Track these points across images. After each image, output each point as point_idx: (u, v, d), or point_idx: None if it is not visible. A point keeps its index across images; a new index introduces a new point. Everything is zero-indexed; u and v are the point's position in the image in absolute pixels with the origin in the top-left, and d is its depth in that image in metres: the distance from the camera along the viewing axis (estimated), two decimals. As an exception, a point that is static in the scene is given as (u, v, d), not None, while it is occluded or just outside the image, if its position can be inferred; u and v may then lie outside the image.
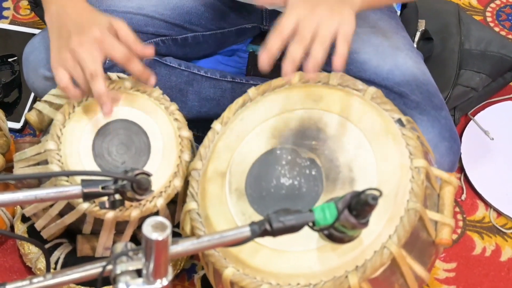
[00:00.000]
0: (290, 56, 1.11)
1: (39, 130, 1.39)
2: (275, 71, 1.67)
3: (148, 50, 1.28)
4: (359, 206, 0.96)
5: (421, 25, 1.81)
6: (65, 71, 1.24)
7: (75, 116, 1.27)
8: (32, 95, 1.82)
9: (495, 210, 1.70)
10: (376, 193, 0.94)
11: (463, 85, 1.79)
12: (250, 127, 1.25)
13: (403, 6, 1.77)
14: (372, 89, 1.22)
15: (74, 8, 1.28)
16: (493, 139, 1.79)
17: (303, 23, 1.10)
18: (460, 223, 1.68)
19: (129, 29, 1.27)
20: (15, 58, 1.83)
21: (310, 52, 1.10)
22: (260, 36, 1.74)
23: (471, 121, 1.82)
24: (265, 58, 1.13)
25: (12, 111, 1.80)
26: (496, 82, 1.85)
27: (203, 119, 1.55)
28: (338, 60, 1.11)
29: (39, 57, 1.45)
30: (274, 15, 1.63)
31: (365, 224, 0.99)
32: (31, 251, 1.47)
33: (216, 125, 1.28)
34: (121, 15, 1.49)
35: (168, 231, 0.86)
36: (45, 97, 1.36)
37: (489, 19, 2.10)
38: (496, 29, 2.07)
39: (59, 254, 1.44)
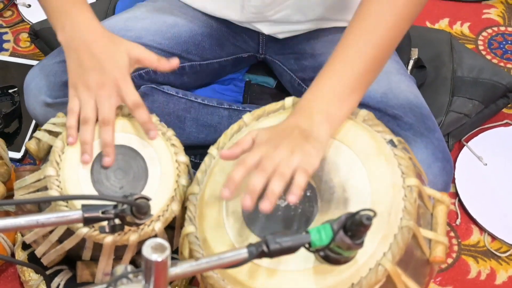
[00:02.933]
0: (250, 186, 1.12)
1: (38, 159, 1.41)
2: (269, 99, 1.71)
3: (174, 62, 1.34)
4: (354, 227, 0.99)
5: (414, 53, 1.84)
6: (78, 104, 1.29)
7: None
8: (32, 125, 1.84)
9: (490, 234, 1.71)
10: (370, 213, 0.97)
11: (456, 112, 1.81)
12: (246, 151, 1.27)
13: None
14: (363, 112, 1.25)
15: (92, 35, 1.32)
16: (486, 164, 1.82)
17: (265, 160, 1.13)
18: (455, 248, 1.70)
19: (148, 52, 1.33)
20: (15, 89, 1.86)
21: (268, 184, 1.11)
22: (257, 65, 1.78)
23: (465, 147, 1.85)
24: (227, 189, 1.14)
25: (13, 141, 1.83)
26: (489, 109, 1.88)
27: (201, 146, 1.57)
28: (294, 190, 1.11)
29: (39, 84, 1.48)
30: (270, 43, 1.67)
31: (360, 244, 1.01)
32: (31, 278, 1.49)
33: (212, 150, 1.30)
34: (120, 44, 1.53)
35: (168, 252, 0.88)
36: (44, 126, 1.39)
37: (481, 47, 2.14)
38: (488, 57, 2.11)
39: (60, 281, 1.46)
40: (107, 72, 1.29)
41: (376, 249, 1.11)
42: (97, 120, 1.30)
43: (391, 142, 1.22)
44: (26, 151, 1.80)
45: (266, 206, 1.10)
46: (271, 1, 1.53)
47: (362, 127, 1.24)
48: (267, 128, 1.20)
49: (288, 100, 1.30)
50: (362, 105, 1.41)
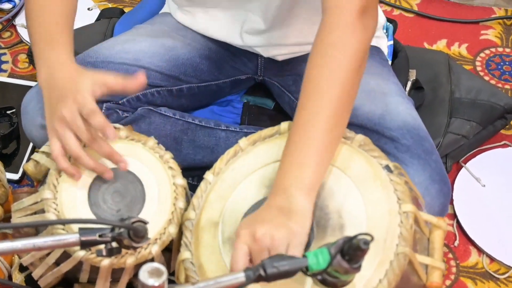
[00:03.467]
0: None
1: (36, 181, 1.41)
2: (267, 120, 1.71)
3: (140, 78, 1.31)
4: (352, 251, 0.99)
5: (412, 74, 1.84)
6: (59, 146, 1.29)
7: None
8: (30, 146, 1.85)
9: (488, 256, 1.71)
10: (368, 238, 0.97)
11: (454, 133, 1.82)
12: (242, 177, 1.28)
13: (394, 56, 1.81)
14: (360, 137, 1.25)
15: (61, 72, 1.33)
16: (484, 185, 1.82)
17: (254, 260, 1.12)
18: (454, 269, 1.70)
19: (114, 76, 1.32)
20: (14, 110, 1.86)
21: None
22: (255, 87, 1.78)
23: (463, 169, 1.85)
24: None
25: (10, 163, 1.83)
26: (487, 130, 1.88)
27: (198, 167, 1.58)
28: None
29: (36, 107, 1.48)
30: (268, 65, 1.68)
31: (358, 268, 1.01)
32: (28, 300, 1.49)
33: (208, 175, 1.31)
34: (118, 66, 1.54)
35: (164, 277, 0.88)
36: (42, 148, 1.39)
37: (478, 68, 2.14)
38: (486, 78, 2.11)
39: (56, 303, 1.46)
40: (68, 97, 1.28)
41: (372, 276, 1.11)
42: None
43: (387, 167, 1.23)
44: (24, 173, 1.80)
45: None
46: (272, 27, 1.54)
47: (358, 152, 1.24)
48: (246, 218, 1.18)
49: (284, 125, 1.31)
50: (359, 126, 1.42)
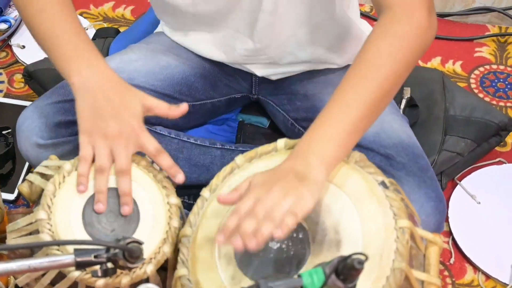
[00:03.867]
0: (241, 233, 1.13)
1: (31, 201, 1.41)
2: (262, 139, 1.72)
3: (183, 108, 1.36)
4: (346, 271, 0.98)
5: (407, 92, 1.85)
6: (91, 152, 1.30)
7: (65, 186, 1.29)
8: (26, 166, 1.85)
9: (484, 273, 1.71)
10: (362, 257, 0.97)
11: (449, 151, 1.82)
12: (238, 193, 1.27)
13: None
14: (355, 153, 1.26)
15: (106, 80, 1.33)
16: (479, 203, 1.82)
17: (258, 203, 1.15)
18: (450, 287, 1.69)
19: (159, 101, 1.35)
20: (9, 130, 1.86)
21: (259, 227, 1.13)
22: (250, 105, 1.79)
23: (458, 186, 1.85)
24: (221, 236, 1.16)
25: (6, 182, 1.83)
26: (481, 147, 1.88)
27: (194, 186, 1.57)
28: (282, 227, 1.12)
29: (32, 126, 1.48)
30: (262, 84, 1.68)
31: (353, 288, 1.01)
32: (23, 320, 1.48)
33: (205, 192, 1.31)
34: (112, 85, 1.54)
35: (159, 296, 0.88)
36: (37, 169, 1.39)
37: (473, 86, 2.15)
38: (481, 95, 2.12)
39: (52, 323, 1.45)
40: (124, 121, 1.30)
41: (368, 292, 1.11)
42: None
43: (382, 183, 1.23)
44: (20, 193, 1.80)
45: (252, 245, 1.11)
46: (262, 46, 1.55)
47: (354, 169, 1.25)
48: (264, 171, 1.21)
49: (280, 142, 1.31)
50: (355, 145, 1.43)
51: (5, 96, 2.08)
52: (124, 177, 1.29)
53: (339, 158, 1.22)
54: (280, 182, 1.16)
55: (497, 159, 1.93)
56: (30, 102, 1.95)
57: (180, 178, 1.32)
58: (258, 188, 1.17)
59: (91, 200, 1.29)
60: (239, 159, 1.31)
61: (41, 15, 1.39)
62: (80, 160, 1.30)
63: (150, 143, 1.31)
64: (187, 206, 1.41)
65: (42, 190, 1.33)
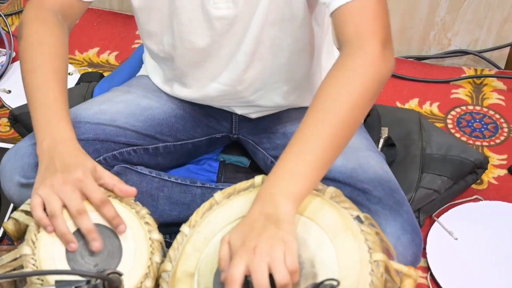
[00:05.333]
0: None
1: (16, 239, 1.43)
2: (243, 178, 1.74)
3: (131, 191, 1.35)
4: (320, 296, 1.01)
5: (384, 132, 1.89)
6: (40, 200, 1.29)
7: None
8: (11, 208, 1.86)
9: (462, 308, 1.74)
10: (334, 283, 1.00)
11: (426, 188, 1.85)
12: (217, 229, 1.30)
13: (367, 115, 1.86)
14: (331, 189, 1.29)
15: (64, 147, 1.34)
16: (457, 239, 1.85)
17: (254, 272, 1.14)
18: (429, 322, 1.72)
19: (111, 174, 1.35)
20: (-5, 172, 1.88)
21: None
22: (231, 145, 1.82)
23: (436, 222, 1.88)
24: None
25: (-9, 224, 1.85)
26: (458, 185, 1.92)
27: (175, 223, 1.60)
28: (291, 276, 1.15)
29: (14, 165, 1.51)
30: (242, 123, 1.72)
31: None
32: None
33: (184, 228, 1.33)
34: (94, 126, 1.58)
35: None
36: (22, 207, 1.41)
37: (450, 126, 2.20)
38: (457, 135, 2.16)
39: None
40: (71, 172, 1.30)
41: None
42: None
43: (357, 218, 1.26)
44: (4, 233, 1.82)
45: None
46: (241, 89, 1.60)
47: (330, 204, 1.28)
48: (236, 228, 1.21)
49: (258, 178, 1.34)
50: (332, 180, 1.46)
51: (-9, 139, 2.12)
52: (81, 217, 1.29)
53: (306, 192, 1.24)
54: (260, 236, 1.16)
55: (474, 197, 1.96)
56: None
57: (121, 229, 1.32)
58: (242, 249, 1.16)
59: (75, 235, 1.31)
60: (218, 195, 1.34)
61: (31, 75, 1.43)
62: (32, 209, 1.30)
63: (95, 193, 1.30)
64: (168, 245, 1.43)
65: (27, 226, 1.36)
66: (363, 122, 1.79)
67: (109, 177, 1.34)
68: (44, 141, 1.36)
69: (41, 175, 1.33)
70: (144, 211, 1.37)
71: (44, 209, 1.29)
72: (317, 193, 1.28)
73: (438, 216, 1.90)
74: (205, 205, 1.34)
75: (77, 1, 1.51)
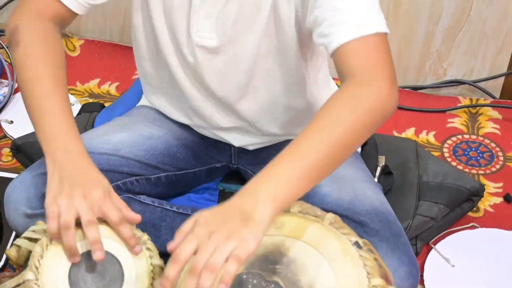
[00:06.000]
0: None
1: (18, 266, 1.44)
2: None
3: (136, 217, 1.36)
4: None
5: (381, 160, 1.91)
6: (58, 210, 1.30)
7: (53, 248, 1.33)
8: (12, 237, 1.88)
9: (459, 334, 1.75)
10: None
11: (423, 215, 1.87)
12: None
13: (364, 143, 1.89)
14: (330, 215, 1.31)
15: (80, 162, 1.36)
16: (454, 266, 1.86)
17: (199, 252, 1.17)
18: None
19: (120, 199, 1.37)
20: (-3, 201, 1.90)
21: (200, 279, 1.15)
22: (230, 174, 1.85)
23: (433, 250, 1.90)
24: (162, 286, 1.19)
25: (-7, 252, 1.86)
26: (455, 212, 1.94)
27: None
28: (224, 277, 1.15)
29: (20, 196, 1.52)
30: (241, 154, 1.74)
31: None
32: None
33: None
34: (98, 156, 1.59)
35: None
36: (25, 234, 1.42)
37: (446, 155, 2.23)
38: (454, 163, 2.19)
39: None
40: (91, 189, 1.32)
41: None
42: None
43: (356, 244, 1.28)
44: (6, 261, 1.83)
45: None
46: (235, 123, 1.64)
47: (329, 230, 1.30)
48: (209, 211, 1.22)
49: None
50: (329, 212, 1.48)
51: (-7, 169, 2.14)
52: (91, 227, 1.30)
53: (290, 199, 1.23)
54: (223, 225, 1.17)
55: (470, 224, 1.98)
56: (18, 174, 2.02)
57: (137, 249, 1.34)
58: (201, 229, 1.18)
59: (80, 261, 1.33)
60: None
61: (32, 83, 1.43)
62: (47, 218, 1.31)
63: (114, 213, 1.32)
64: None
65: (29, 253, 1.37)
66: (360, 150, 1.82)
67: (117, 202, 1.36)
68: (58, 151, 1.36)
69: (55, 186, 1.33)
70: (146, 237, 1.39)
71: None
72: (316, 219, 1.31)
73: (435, 243, 1.92)
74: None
75: (70, 12, 1.52)
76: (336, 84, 1.70)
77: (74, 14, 1.53)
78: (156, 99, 1.73)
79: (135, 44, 1.65)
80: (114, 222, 1.33)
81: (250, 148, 1.71)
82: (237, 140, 1.70)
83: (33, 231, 1.42)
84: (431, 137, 2.29)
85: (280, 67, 1.54)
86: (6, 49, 2.44)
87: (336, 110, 1.28)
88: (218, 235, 1.16)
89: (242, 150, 1.73)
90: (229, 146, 1.74)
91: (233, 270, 1.15)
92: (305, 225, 1.30)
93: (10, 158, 2.18)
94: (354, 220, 1.49)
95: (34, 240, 1.39)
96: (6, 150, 2.21)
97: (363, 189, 1.56)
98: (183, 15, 1.50)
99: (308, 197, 1.41)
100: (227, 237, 1.16)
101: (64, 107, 1.41)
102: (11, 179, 1.94)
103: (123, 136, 1.68)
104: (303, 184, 1.24)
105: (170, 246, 1.21)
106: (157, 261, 1.37)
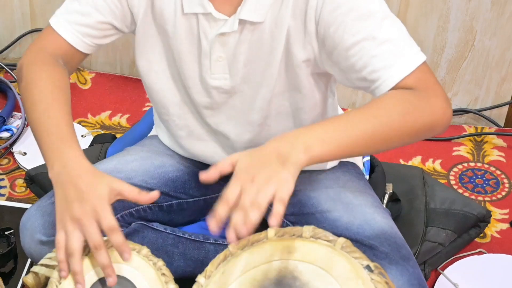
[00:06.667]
0: (232, 225, 1.27)
1: (35, 294, 1.47)
2: (253, 231, 1.79)
3: (154, 195, 1.42)
4: None
5: (389, 188, 1.94)
6: (64, 238, 1.34)
7: (70, 274, 1.36)
8: (27, 265, 1.90)
9: None
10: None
11: (431, 241, 1.90)
12: (231, 279, 1.34)
13: (371, 171, 1.92)
14: (341, 240, 1.34)
15: (77, 170, 1.38)
16: (462, 291, 1.89)
17: (244, 193, 1.27)
18: None
19: (129, 185, 1.40)
20: (12, 231, 1.93)
21: (247, 215, 1.26)
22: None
23: (441, 275, 1.92)
24: (213, 224, 1.29)
25: (8, 281, 1.87)
26: (462, 238, 1.97)
27: (189, 279, 1.64)
28: (274, 219, 1.27)
29: (35, 224, 1.55)
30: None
31: None
32: None
33: (200, 278, 1.37)
34: (111, 185, 1.63)
35: None
36: (41, 261, 1.45)
37: (452, 182, 2.25)
38: (460, 190, 2.22)
39: None
40: (88, 201, 1.35)
41: None
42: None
43: (367, 267, 1.30)
44: (24, 285, 1.86)
45: (243, 233, 1.27)
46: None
47: (340, 253, 1.32)
48: (247, 152, 1.32)
49: (271, 231, 1.38)
50: (340, 236, 1.50)
51: (7, 199, 2.17)
52: (98, 253, 1.33)
53: (323, 157, 1.31)
54: (263, 168, 1.27)
55: (478, 250, 2.00)
56: (31, 205, 2.05)
57: (126, 257, 1.36)
58: (243, 174, 1.28)
59: (95, 285, 1.36)
60: (232, 247, 1.38)
61: (33, 108, 1.47)
62: (56, 247, 1.35)
63: (106, 220, 1.34)
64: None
65: (47, 280, 1.40)
66: (368, 178, 1.85)
67: (129, 191, 1.40)
68: (54, 165, 1.39)
69: (59, 206, 1.37)
70: (161, 262, 1.41)
71: None
72: (328, 244, 1.33)
73: (443, 268, 1.94)
74: (220, 256, 1.38)
75: (75, 50, 1.56)
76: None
77: (82, 54, 1.58)
78: (167, 139, 1.78)
79: (145, 87, 1.69)
80: (105, 230, 1.35)
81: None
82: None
83: (50, 258, 1.45)
84: (437, 165, 2.32)
85: (292, 105, 1.58)
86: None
87: (391, 106, 1.35)
88: (259, 178, 1.27)
89: (253, 177, 1.76)
90: (239, 173, 1.77)
91: (281, 210, 1.27)
92: (317, 249, 1.33)
93: (23, 189, 2.22)
94: (364, 243, 1.51)
95: (51, 267, 1.42)
96: (20, 181, 2.25)
97: (372, 214, 1.58)
98: (193, 59, 1.55)
99: (319, 222, 1.45)
100: (268, 179, 1.26)
101: (58, 123, 1.44)
102: (24, 209, 1.97)
103: (136, 165, 1.71)
104: (336, 151, 1.32)
105: (201, 176, 1.34)
106: (172, 286, 1.39)
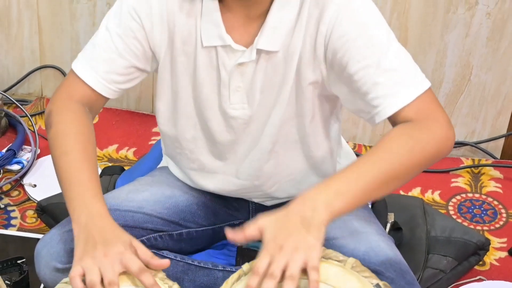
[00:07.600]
0: None
1: (50, 318, 1.51)
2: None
3: (164, 263, 1.44)
4: None
5: (391, 217, 1.98)
6: (81, 271, 1.37)
7: None
8: (41, 290, 1.95)
9: None
10: None
11: (432, 268, 1.94)
12: (245, 298, 1.40)
13: (374, 202, 1.97)
14: (351, 260, 1.39)
15: (101, 222, 1.43)
16: (464, 317, 1.93)
17: (274, 262, 1.30)
18: None
19: (146, 248, 1.43)
20: (23, 260, 1.97)
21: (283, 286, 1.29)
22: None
23: (443, 301, 1.97)
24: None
25: (21, 308, 1.92)
26: (462, 265, 2.01)
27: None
28: (313, 285, 1.30)
29: (51, 251, 1.58)
30: (259, 211, 1.81)
31: None
32: None
33: (215, 297, 1.43)
34: (124, 213, 1.66)
35: None
36: (57, 286, 1.49)
37: (451, 212, 2.30)
38: (459, 220, 2.26)
39: None
40: (112, 245, 1.39)
41: None
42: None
43: (377, 286, 1.35)
44: (35, 315, 1.90)
45: None
46: (258, 184, 1.71)
47: (351, 273, 1.37)
48: (273, 219, 1.36)
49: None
50: (348, 261, 1.56)
51: (18, 229, 2.21)
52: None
53: (341, 211, 1.36)
54: (290, 237, 1.31)
55: (478, 277, 2.04)
56: (42, 235, 2.08)
57: None
58: (271, 244, 1.32)
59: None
60: (246, 266, 1.42)
61: (63, 158, 1.52)
62: (71, 279, 1.37)
63: (134, 263, 1.38)
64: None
65: (64, 302, 1.44)
66: (370, 208, 1.90)
67: (143, 252, 1.42)
68: (81, 215, 1.44)
69: (81, 248, 1.41)
70: (176, 286, 1.46)
71: (83, 281, 1.37)
72: (339, 264, 1.38)
73: (445, 295, 1.98)
74: (234, 276, 1.42)
75: (101, 96, 1.62)
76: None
77: (105, 98, 1.64)
78: (178, 171, 1.82)
79: (159, 127, 1.74)
80: (134, 272, 1.39)
81: (268, 204, 1.79)
82: (256, 198, 1.78)
83: (66, 282, 1.49)
84: (436, 196, 2.37)
85: (300, 131, 1.63)
86: (30, 117, 2.54)
87: (395, 146, 1.40)
88: (287, 247, 1.30)
89: (259, 207, 1.80)
90: (247, 203, 1.81)
91: (317, 277, 1.29)
92: (329, 268, 1.38)
93: (34, 219, 2.26)
94: (369, 269, 1.55)
95: (67, 291, 1.46)
96: (30, 212, 2.29)
97: (377, 242, 1.62)
98: (213, 90, 1.59)
99: (326, 249, 1.49)
100: (296, 248, 1.30)
101: (89, 176, 1.49)
102: (35, 239, 2.04)
103: (147, 195, 1.75)
104: (354, 201, 1.37)
105: (228, 235, 1.37)
106: (188, 307, 1.44)
